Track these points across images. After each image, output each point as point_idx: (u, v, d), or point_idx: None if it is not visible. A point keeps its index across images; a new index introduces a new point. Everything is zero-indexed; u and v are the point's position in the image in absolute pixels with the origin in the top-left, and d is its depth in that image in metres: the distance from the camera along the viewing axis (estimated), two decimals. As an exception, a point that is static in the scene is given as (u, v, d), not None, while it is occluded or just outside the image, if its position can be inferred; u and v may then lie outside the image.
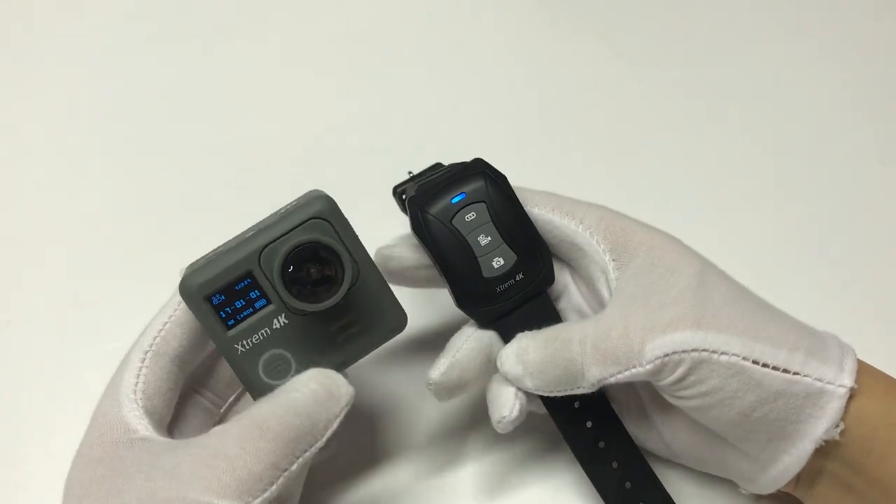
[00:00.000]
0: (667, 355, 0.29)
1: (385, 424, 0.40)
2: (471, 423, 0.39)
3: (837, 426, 0.29)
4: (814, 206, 0.48)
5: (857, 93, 0.53)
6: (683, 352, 0.29)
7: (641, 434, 0.35)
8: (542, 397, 0.34)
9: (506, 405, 0.32)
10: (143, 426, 0.29)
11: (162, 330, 0.31)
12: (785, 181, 0.49)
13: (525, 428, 0.35)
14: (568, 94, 0.54)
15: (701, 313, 0.30)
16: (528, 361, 0.32)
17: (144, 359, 0.31)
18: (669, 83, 0.54)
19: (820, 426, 0.30)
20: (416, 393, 0.40)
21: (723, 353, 0.29)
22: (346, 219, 0.31)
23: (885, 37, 0.56)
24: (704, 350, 0.29)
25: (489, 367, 0.34)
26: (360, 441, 0.39)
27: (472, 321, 0.34)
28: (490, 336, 0.34)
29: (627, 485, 0.34)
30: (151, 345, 0.31)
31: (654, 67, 0.55)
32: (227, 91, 0.55)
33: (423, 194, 0.33)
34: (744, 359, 0.29)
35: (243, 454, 0.27)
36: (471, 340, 0.33)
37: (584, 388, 0.31)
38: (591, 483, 0.34)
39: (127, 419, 0.29)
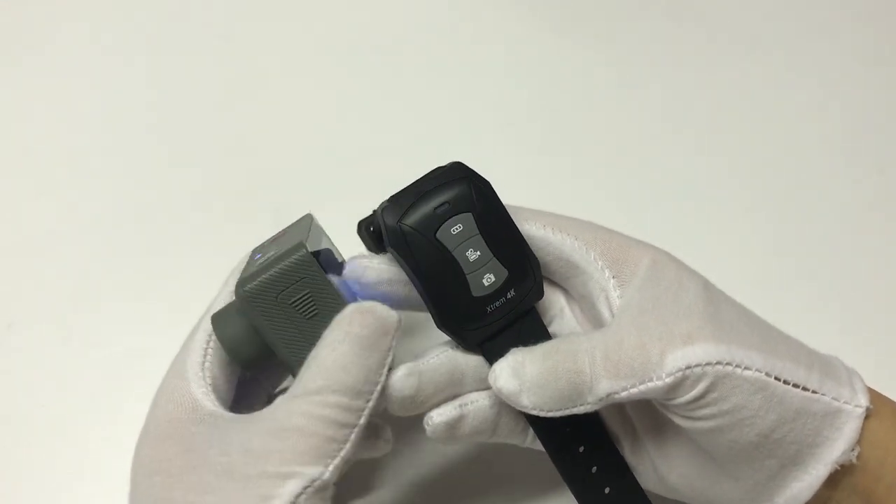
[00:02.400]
0: (689, 367, 0.27)
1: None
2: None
3: (853, 449, 0.28)
4: (810, 214, 0.48)
5: (854, 102, 0.53)
6: (707, 364, 0.27)
7: (633, 468, 0.33)
8: (529, 419, 0.31)
9: (443, 410, 0.30)
10: (210, 401, 0.29)
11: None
12: (781, 190, 0.49)
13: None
14: (565, 100, 0.54)
15: (718, 327, 0.29)
16: (526, 375, 0.29)
17: (209, 340, 0.31)
18: (665, 91, 0.54)
19: (837, 448, 0.28)
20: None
21: (746, 367, 0.28)
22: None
23: (883, 44, 0.55)
24: (728, 364, 0.28)
25: (452, 388, 0.31)
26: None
27: (451, 342, 0.31)
28: (464, 357, 0.31)
29: None
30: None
31: (651, 76, 0.55)
32: (228, 92, 0.55)
33: (398, 204, 0.29)
34: (766, 374, 0.28)
35: (310, 422, 0.27)
36: (440, 356, 0.31)
37: (589, 405, 0.29)
38: None
39: (195, 395, 0.29)
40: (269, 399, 0.34)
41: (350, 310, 0.29)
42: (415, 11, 0.58)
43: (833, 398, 0.28)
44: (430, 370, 0.30)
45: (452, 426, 0.30)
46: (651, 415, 0.32)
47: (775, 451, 0.29)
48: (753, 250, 0.47)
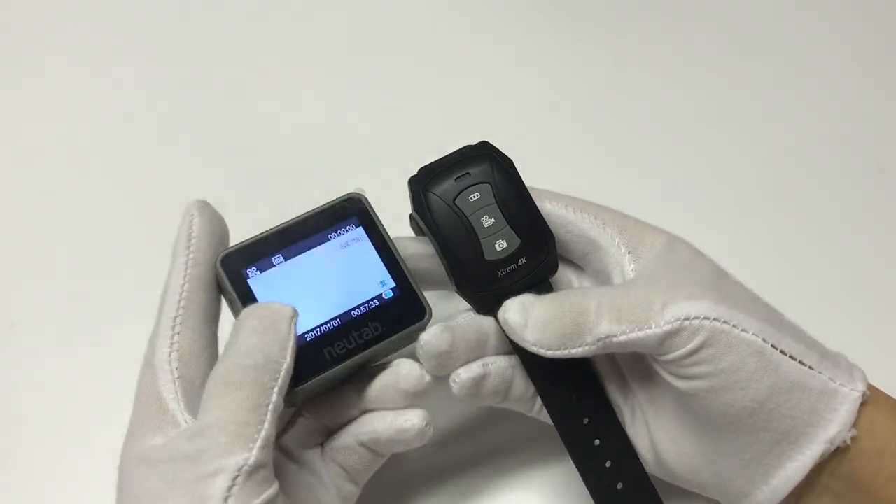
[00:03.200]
0: (687, 319, 0.28)
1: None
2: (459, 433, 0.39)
3: (849, 430, 0.29)
4: (810, 213, 0.48)
5: (854, 99, 0.53)
6: (705, 318, 0.28)
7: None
8: (541, 390, 0.33)
9: (471, 367, 0.32)
10: (176, 405, 0.29)
11: (184, 291, 0.31)
12: (781, 188, 0.49)
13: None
14: (569, 97, 0.54)
15: (723, 294, 0.30)
16: (533, 313, 0.30)
17: (174, 325, 0.30)
18: (667, 90, 0.54)
19: (831, 429, 0.29)
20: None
21: (744, 329, 0.29)
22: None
23: (883, 43, 0.56)
24: (726, 322, 0.29)
25: (478, 349, 0.32)
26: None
27: (470, 309, 0.33)
28: (488, 321, 0.32)
29: (619, 486, 0.33)
30: (179, 309, 0.31)
31: (654, 74, 0.55)
32: (229, 91, 0.55)
33: (426, 174, 0.33)
34: (764, 340, 0.29)
35: (223, 412, 0.28)
36: (467, 317, 0.32)
37: (587, 346, 0.30)
38: (582, 482, 0.33)
39: (162, 397, 0.29)
40: None
41: (246, 309, 0.30)
42: (416, 10, 0.59)
43: (830, 378, 0.29)
44: (461, 328, 0.32)
45: (477, 383, 0.32)
46: (650, 385, 0.32)
47: (769, 423, 0.29)
48: (750, 246, 0.47)
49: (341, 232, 0.33)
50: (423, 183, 0.32)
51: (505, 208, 0.32)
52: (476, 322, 0.32)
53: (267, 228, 0.33)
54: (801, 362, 0.29)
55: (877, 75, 0.54)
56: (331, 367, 0.31)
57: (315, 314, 0.32)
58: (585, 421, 0.33)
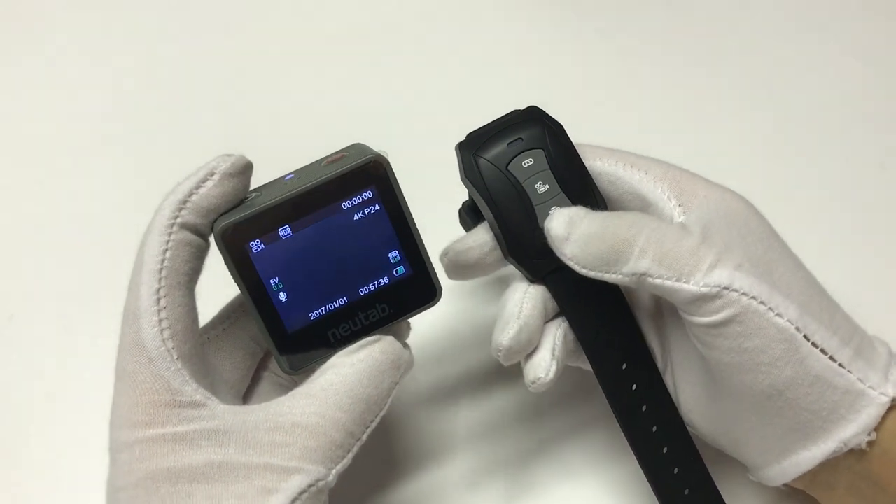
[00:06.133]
0: (727, 288, 0.27)
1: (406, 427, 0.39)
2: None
3: (868, 434, 0.28)
4: (812, 209, 0.48)
5: (856, 95, 0.54)
6: (743, 294, 0.27)
7: None
8: (590, 355, 0.32)
9: (541, 366, 0.31)
10: (191, 389, 0.27)
11: (165, 259, 0.28)
12: (783, 184, 0.49)
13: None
14: (567, 91, 0.54)
15: (768, 269, 0.29)
16: (578, 228, 0.29)
17: (158, 298, 0.27)
18: (667, 83, 0.54)
19: (849, 430, 0.28)
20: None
21: (778, 314, 0.28)
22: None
23: (886, 38, 0.56)
24: (762, 303, 0.27)
25: (541, 328, 0.31)
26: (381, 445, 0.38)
27: (520, 276, 0.32)
28: (544, 292, 0.31)
29: (664, 449, 0.32)
30: (161, 280, 0.27)
31: (654, 67, 0.55)
32: (228, 89, 0.54)
33: (475, 138, 0.31)
34: (797, 329, 0.28)
35: (323, 422, 0.27)
36: (529, 299, 0.31)
37: (621, 276, 0.29)
38: (629, 448, 0.32)
39: (169, 382, 0.26)
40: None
41: (374, 337, 0.30)
42: (414, 6, 0.58)
43: (859, 378, 0.28)
44: (531, 318, 0.31)
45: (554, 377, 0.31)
46: (682, 337, 0.31)
47: (785, 411, 0.28)
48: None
49: (356, 200, 0.30)
50: (473, 147, 0.31)
51: (558, 174, 0.31)
52: (537, 300, 0.31)
53: (274, 186, 0.30)
54: (831, 357, 0.28)
55: (880, 71, 0.55)
56: (332, 351, 0.30)
57: (321, 292, 0.30)
58: (633, 387, 0.32)
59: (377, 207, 0.30)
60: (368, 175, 0.29)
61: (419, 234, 0.31)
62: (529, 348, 0.31)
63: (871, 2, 0.58)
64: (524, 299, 0.31)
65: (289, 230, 0.29)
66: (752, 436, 0.30)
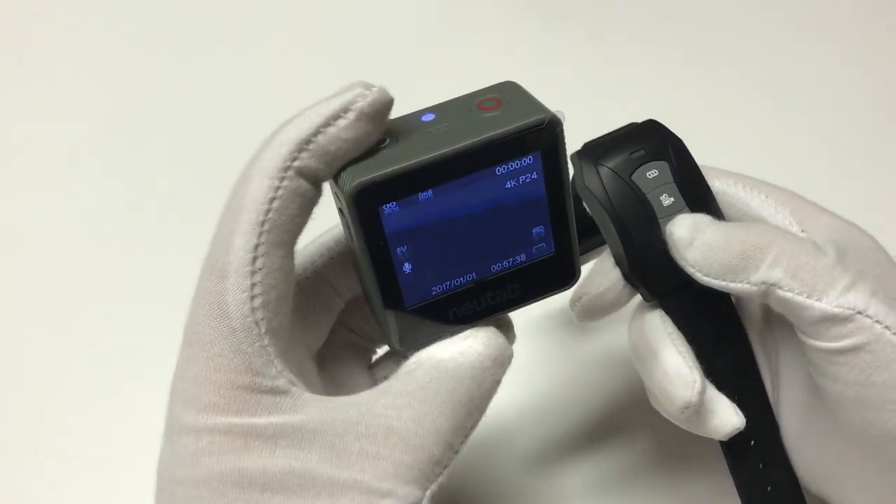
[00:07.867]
0: (859, 312, 0.25)
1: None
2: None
3: None
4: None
5: (858, 93, 0.53)
6: (877, 321, 0.25)
7: None
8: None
9: (686, 384, 0.27)
10: (275, 371, 0.22)
11: (271, 210, 0.22)
12: (784, 182, 0.49)
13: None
14: (558, 94, 0.54)
15: None
16: (704, 233, 0.27)
17: (255, 257, 0.22)
18: (662, 84, 0.55)
19: None
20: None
21: None
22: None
23: (888, 35, 0.56)
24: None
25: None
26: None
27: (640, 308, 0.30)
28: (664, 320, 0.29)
29: (760, 465, 0.30)
30: (261, 235, 0.22)
31: (647, 68, 0.55)
32: (227, 89, 0.55)
33: (594, 148, 0.30)
34: None
35: (421, 431, 0.23)
36: (679, 340, 0.29)
37: (748, 285, 0.26)
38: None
39: (251, 360, 0.22)
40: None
41: (478, 332, 0.26)
42: (408, 9, 0.59)
43: None
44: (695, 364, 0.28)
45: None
46: (793, 351, 0.29)
47: None
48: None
49: (514, 165, 0.25)
50: (594, 156, 0.29)
51: (682, 188, 0.29)
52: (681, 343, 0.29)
53: (411, 130, 0.25)
54: None
55: (883, 68, 0.54)
56: (449, 329, 0.26)
57: (449, 266, 0.26)
58: (752, 443, 0.30)
59: (534, 176, 0.25)
60: (539, 138, 0.25)
61: (573, 210, 0.27)
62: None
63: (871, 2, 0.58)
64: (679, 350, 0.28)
65: (430, 194, 0.24)
66: (867, 485, 0.27)
